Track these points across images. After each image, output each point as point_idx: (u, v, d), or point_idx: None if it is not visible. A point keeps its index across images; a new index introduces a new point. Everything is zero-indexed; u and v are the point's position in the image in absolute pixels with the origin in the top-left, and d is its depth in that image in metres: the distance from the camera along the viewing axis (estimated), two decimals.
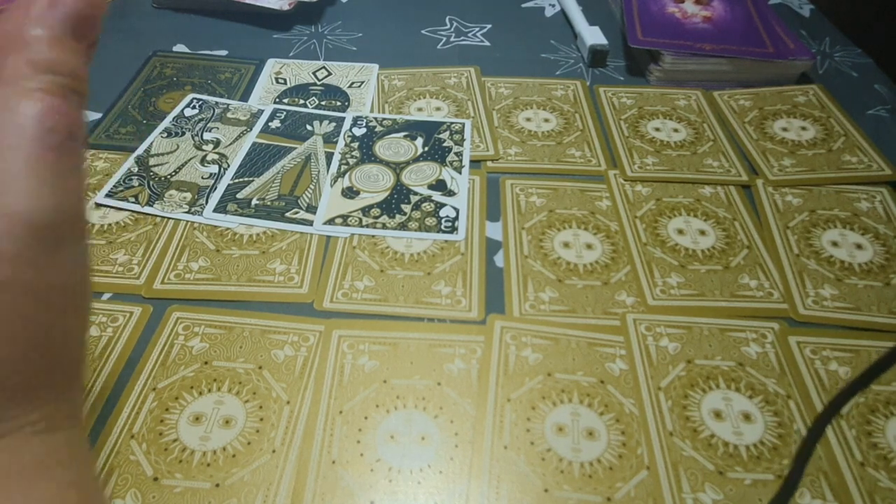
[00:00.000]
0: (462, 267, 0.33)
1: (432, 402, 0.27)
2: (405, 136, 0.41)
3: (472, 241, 0.35)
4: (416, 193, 0.37)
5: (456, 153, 0.40)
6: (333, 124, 0.43)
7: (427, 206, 0.36)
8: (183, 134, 0.42)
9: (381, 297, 0.32)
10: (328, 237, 0.35)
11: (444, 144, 0.41)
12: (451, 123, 0.43)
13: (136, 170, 0.39)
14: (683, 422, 0.27)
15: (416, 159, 0.40)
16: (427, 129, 0.42)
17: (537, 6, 0.59)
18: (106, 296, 0.32)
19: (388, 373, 0.28)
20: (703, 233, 0.35)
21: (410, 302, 0.31)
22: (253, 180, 0.38)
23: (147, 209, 0.36)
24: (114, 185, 0.37)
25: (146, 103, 0.45)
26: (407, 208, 0.36)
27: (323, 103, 0.45)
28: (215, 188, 0.37)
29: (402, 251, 0.34)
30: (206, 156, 0.40)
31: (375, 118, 0.43)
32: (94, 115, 0.43)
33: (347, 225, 0.35)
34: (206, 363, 0.29)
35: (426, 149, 0.40)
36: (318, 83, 0.47)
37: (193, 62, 0.49)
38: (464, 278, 0.33)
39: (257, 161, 0.39)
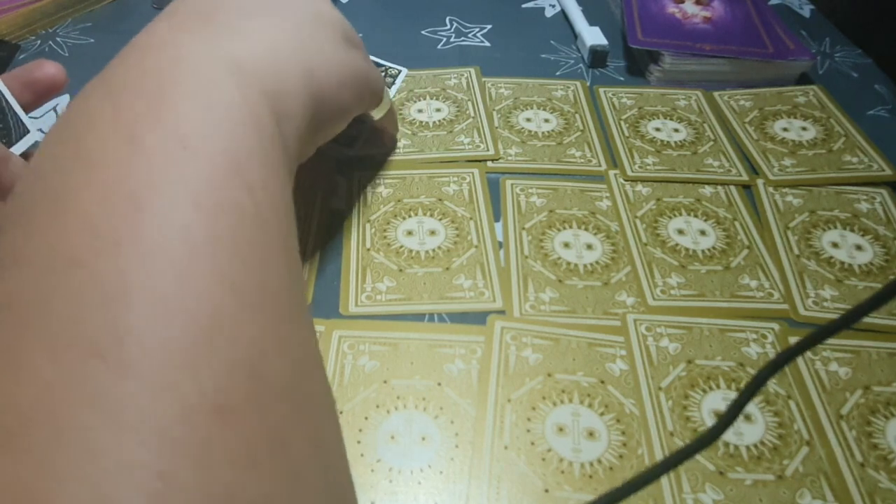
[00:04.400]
0: (479, 259, 0.33)
1: (433, 402, 0.27)
2: None
3: (483, 238, 0.35)
4: None
5: None
6: None
7: None
8: None
9: (404, 296, 0.32)
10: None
11: None
12: None
13: None
14: (684, 422, 0.27)
15: None
16: None
17: (537, 6, 0.59)
18: None
19: (388, 373, 0.28)
20: (703, 233, 0.35)
21: (434, 298, 0.32)
22: None
23: None
24: None
25: None
26: None
27: None
28: None
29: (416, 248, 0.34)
30: None
31: None
32: None
33: None
34: None
35: None
36: None
37: None
38: (482, 270, 0.33)
39: None
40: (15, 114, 0.25)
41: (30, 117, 0.26)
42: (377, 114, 0.36)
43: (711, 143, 0.42)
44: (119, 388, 0.12)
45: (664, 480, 0.25)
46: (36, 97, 0.29)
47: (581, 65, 0.50)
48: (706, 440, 0.16)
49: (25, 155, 0.26)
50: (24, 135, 0.25)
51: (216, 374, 0.13)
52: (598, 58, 0.50)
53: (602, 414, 0.27)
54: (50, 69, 0.28)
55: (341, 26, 0.29)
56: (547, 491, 0.25)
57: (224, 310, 0.14)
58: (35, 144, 0.26)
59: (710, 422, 0.27)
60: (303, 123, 0.24)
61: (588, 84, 0.48)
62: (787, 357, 0.15)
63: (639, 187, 0.38)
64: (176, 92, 0.18)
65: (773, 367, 0.16)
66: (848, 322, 0.14)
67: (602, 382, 0.28)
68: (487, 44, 0.53)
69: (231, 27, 0.23)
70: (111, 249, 0.14)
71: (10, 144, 0.25)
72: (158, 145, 0.16)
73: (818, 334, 0.14)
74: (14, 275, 0.14)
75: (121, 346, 0.13)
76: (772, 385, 0.28)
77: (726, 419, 0.16)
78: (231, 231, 0.16)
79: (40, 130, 0.41)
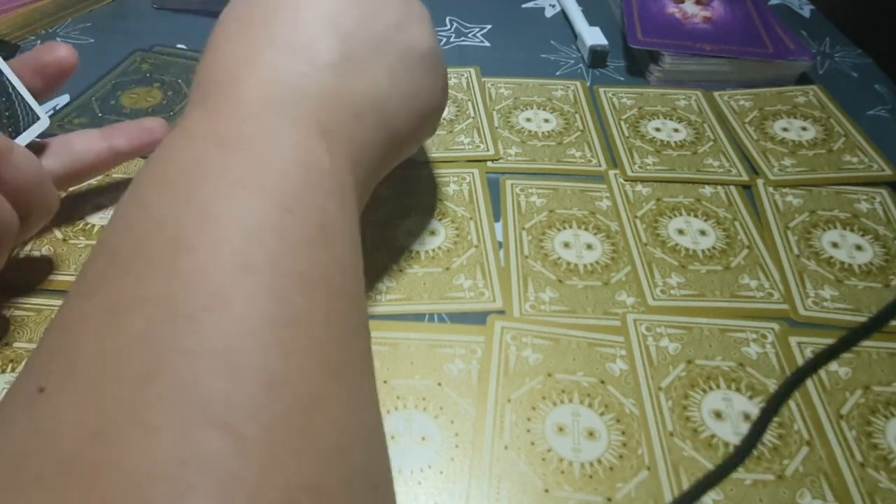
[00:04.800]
0: (479, 259, 0.33)
1: (433, 402, 0.27)
2: None
3: (483, 238, 0.35)
4: None
5: None
6: None
7: None
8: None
9: (404, 296, 0.32)
10: None
11: None
12: None
13: None
14: (684, 422, 0.27)
15: None
16: None
17: (537, 7, 0.59)
18: None
19: (388, 373, 0.28)
20: (703, 233, 0.35)
21: (434, 298, 0.32)
22: None
23: None
24: None
25: (110, 97, 0.44)
26: None
27: None
28: None
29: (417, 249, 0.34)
30: None
31: None
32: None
33: None
34: None
35: None
36: None
37: (172, 59, 0.49)
38: (482, 270, 0.33)
39: None
40: (23, 100, 0.25)
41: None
42: None
43: (711, 143, 0.42)
44: (236, 463, 0.12)
45: (664, 481, 0.25)
46: (47, 82, 0.28)
47: (581, 65, 0.50)
48: (746, 449, 0.15)
49: (37, 148, 0.25)
50: (34, 122, 0.25)
51: (315, 452, 0.13)
52: (598, 58, 0.50)
53: (602, 414, 0.27)
54: (61, 52, 0.27)
55: (424, 50, 0.27)
56: (547, 491, 0.25)
57: (320, 388, 0.15)
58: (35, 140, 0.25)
59: (710, 422, 0.27)
60: (375, 173, 0.25)
61: (588, 84, 0.48)
62: (827, 356, 0.15)
63: (639, 187, 0.38)
64: (277, 157, 0.19)
65: (805, 373, 0.15)
66: (878, 325, 0.14)
67: (602, 382, 0.28)
68: (487, 44, 0.53)
69: (316, 70, 0.22)
70: (223, 310, 0.14)
71: (17, 132, 0.24)
72: (265, 209, 0.17)
73: (851, 337, 0.14)
74: (136, 323, 0.14)
75: (241, 420, 0.13)
76: (772, 385, 0.28)
77: (768, 413, 0.16)
78: (324, 308, 0.16)
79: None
